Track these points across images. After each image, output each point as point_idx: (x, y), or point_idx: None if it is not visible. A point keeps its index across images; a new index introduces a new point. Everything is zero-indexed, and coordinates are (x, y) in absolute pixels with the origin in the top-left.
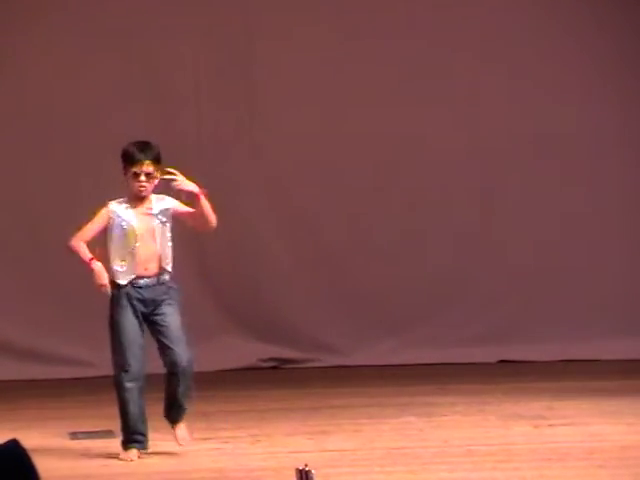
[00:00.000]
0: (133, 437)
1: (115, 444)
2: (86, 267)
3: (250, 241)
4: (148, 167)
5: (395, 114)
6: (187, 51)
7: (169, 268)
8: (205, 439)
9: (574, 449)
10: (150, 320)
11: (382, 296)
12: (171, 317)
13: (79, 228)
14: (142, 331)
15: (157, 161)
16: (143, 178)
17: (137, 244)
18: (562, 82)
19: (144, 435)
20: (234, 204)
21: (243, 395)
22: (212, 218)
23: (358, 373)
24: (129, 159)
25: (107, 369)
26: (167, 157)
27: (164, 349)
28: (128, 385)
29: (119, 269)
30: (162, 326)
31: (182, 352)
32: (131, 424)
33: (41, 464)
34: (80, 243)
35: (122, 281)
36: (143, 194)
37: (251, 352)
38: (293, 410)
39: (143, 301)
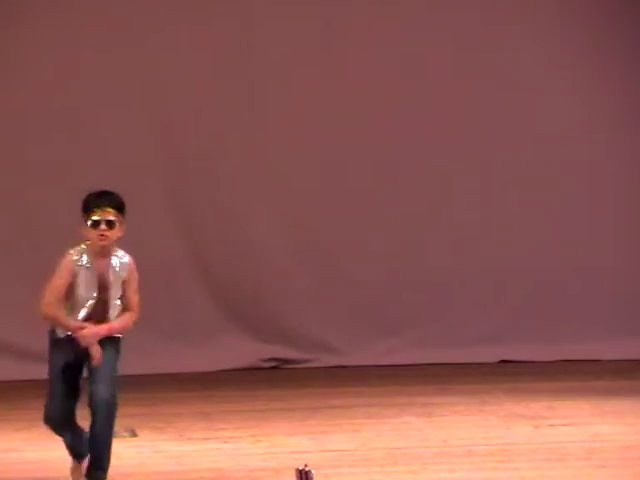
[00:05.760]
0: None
1: (115, 445)
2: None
3: (250, 241)
4: (109, 214)
5: (395, 116)
6: (187, 53)
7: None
8: (205, 439)
9: (574, 449)
10: (85, 359)
11: (382, 296)
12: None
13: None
14: (77, 374)
15: (120, 210)
16: (104, 226)
17: (95, 295)
18: (560, 84)
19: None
20: (234, 204)
21: (243, 395)
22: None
23: (358, 373)
24: (87, 206)
25: None
26: (166, 159)
27: (90, 386)
28: (49, 427)
29: (72, 320)
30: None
31: (104, 389)
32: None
33: (41, 465)
34: (55, 309)
35: (68, 332)
36: (104, 243)
37: (251, 352)
38: (293, 410)
39: (78, 349)
